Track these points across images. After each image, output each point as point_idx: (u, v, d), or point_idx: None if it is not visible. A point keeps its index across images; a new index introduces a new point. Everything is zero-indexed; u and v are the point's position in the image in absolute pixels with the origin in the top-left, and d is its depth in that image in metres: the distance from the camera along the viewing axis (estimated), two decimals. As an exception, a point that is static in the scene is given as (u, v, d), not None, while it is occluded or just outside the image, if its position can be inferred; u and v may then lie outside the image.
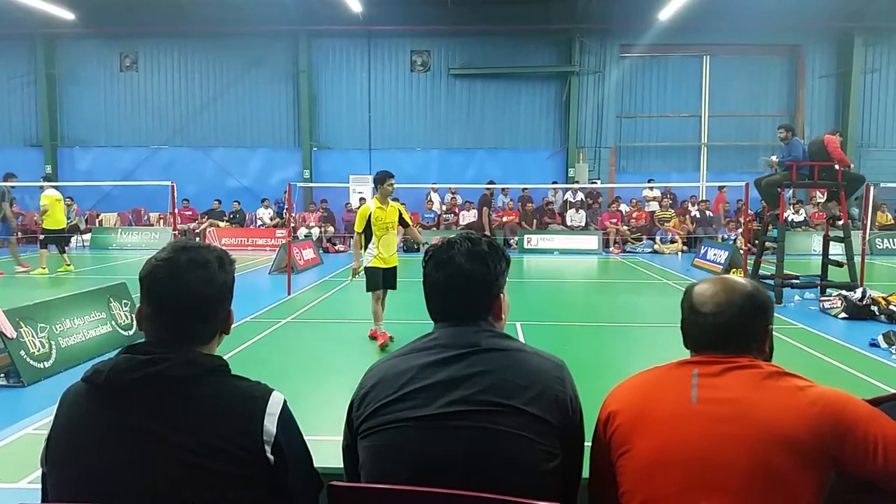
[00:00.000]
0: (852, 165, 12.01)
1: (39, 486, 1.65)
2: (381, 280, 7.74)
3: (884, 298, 9.58)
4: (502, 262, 1.93)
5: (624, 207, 21.50)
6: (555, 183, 22.27)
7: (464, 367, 1.74)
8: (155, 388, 1.54)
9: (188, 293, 1.62)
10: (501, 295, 1.93)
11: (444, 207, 21.62)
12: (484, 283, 1.88)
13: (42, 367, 6.51)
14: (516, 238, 20.15)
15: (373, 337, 7.92)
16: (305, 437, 1.75)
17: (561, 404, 1.74)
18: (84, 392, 1.59)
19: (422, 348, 1.83)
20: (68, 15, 20.86)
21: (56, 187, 14.88)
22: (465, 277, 1.85)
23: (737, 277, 1.86)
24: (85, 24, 22.06)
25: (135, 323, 8.11)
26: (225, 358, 1.69)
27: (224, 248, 1.83)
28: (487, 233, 15.12)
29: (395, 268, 7.94)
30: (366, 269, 7.77)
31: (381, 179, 7.71)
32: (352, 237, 21.00)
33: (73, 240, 20.14)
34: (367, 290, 7.80)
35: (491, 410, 1.68)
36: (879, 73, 22.53)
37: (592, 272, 16.43)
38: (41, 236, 14.45)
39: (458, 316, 1.86)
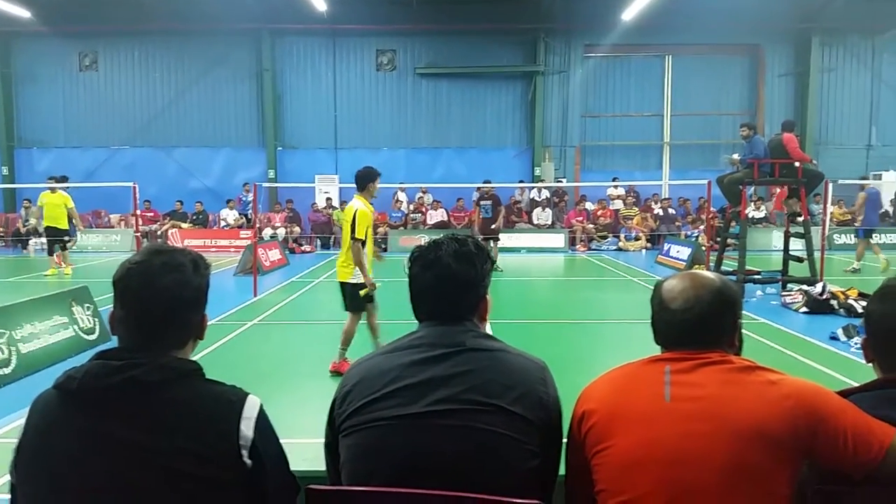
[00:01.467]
0: (815, 162, 12.27)
1: (7, 496, 1.62)
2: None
3: (843, 293, 9.82)
4: (488, 263, 1.94)
5: (589, 206, 21.71)
6: (521, 182, 22.40)
7: (449, 367, 1.74)
8: (129, 393, 1.52)
9: (162, 297, 1.60)
10: (487, 296, 1.94)
11: (411, 207, 21.60)
12: (472, 283, 1.89)
13: (1, 373, 6.36)
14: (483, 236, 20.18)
15: (336, 371, 6.64)
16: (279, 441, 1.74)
17: (544, 404, 1.76)
18: (55, 399, 1.56)
19: (406, 346, 1.83)
20: (24, 12, 20.38)
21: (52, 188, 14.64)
22: (454, 278, 1.85)
23: (705, 272, 1.87)
24: (42, 21, 21.56)
25: (98, 327, 7.97)
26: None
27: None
28: (497, 230, 15.14)
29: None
30: (357, 284, 6.64)
31: (373, 177, 6.87)
32: (319, 238, 21.02)
33: (31, 242, 19.75)
34: (355, 311, 6.77)
35: (476, 410, 1.69)
36: (836, 73, 23.10)
37: (559, 270, 16.56)
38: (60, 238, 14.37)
39: (445, 316, 1.86)
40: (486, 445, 1.67)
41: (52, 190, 14.33)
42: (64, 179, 14.75)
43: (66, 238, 14.54)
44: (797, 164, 11.07)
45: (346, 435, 1.78)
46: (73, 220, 14.78)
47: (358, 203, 6.72)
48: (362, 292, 6.58)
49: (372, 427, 1.72)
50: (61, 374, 1.56)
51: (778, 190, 19.80)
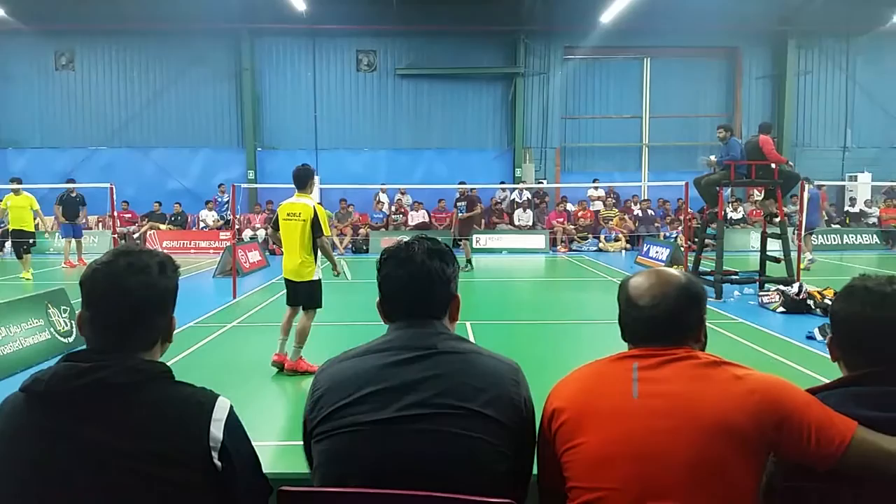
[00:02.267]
0: (791, 164, 12.40)
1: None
2: None
3: (819, 292, 9.93)
4: (456, 263, 1.95)
5: (570, 207, 21.79)
6: (502, 183, 22.44)
7: (420, 370, 1.73)
8: (97, 395, 1.51)
9: (126, 298, 1.59)
10: (458, 295, 1.94)
11: (392, 208, 21.56)
12: (446, 280, 1.88)
13: (-25, 377, 6.28)
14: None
15: (294, 370, 6.66)
16: (254, 443, 1.73)
17: (516, 407, 1.76)
18: (22, 402, 1.55)
19: (377, 350, 1.82)
20: (-2, 11, 20.10)
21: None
22: (430, 275, 1.85)
23: (671, 270, 1.90)
24: (17, 19, 21.27)
25: (75, 329, 7.88)
26: (168, 364, 1.66)
27: (166, 251, 1.80)
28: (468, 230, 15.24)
29: None
30: (318, 281, 6.92)
31: (313, 174, 7.12)
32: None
33: (6, 245, 19.48)
34: (315, 308, 6.90)
35: (447, 413, 1.68)
36: (812, 75, 23.37)
37: (540, 271, 16.61)
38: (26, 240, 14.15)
39: (417, 316, 1.85)
40: (458, 449, 1.67)
41: (16, 192, 14.04)
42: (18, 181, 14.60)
43: (33, 241, 14.28)
44: (773, 165, 11.19)
45: (319, 441, 1.76)
46: (39, 222, 14.63)
47: (310, 201, 6.83)
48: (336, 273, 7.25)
49: (343, 433, 1.71)
50: (29, 377, 1.55)
51: (756, 191, 20.03)
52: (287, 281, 6.95)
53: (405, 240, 1.94)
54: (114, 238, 13.67)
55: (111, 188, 13.17)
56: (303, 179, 6.91)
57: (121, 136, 23.19)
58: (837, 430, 1.61)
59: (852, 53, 23.25)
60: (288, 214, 6.83)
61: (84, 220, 15.99)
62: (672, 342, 1.75)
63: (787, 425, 1.60)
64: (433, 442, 1.66)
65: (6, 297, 8.13)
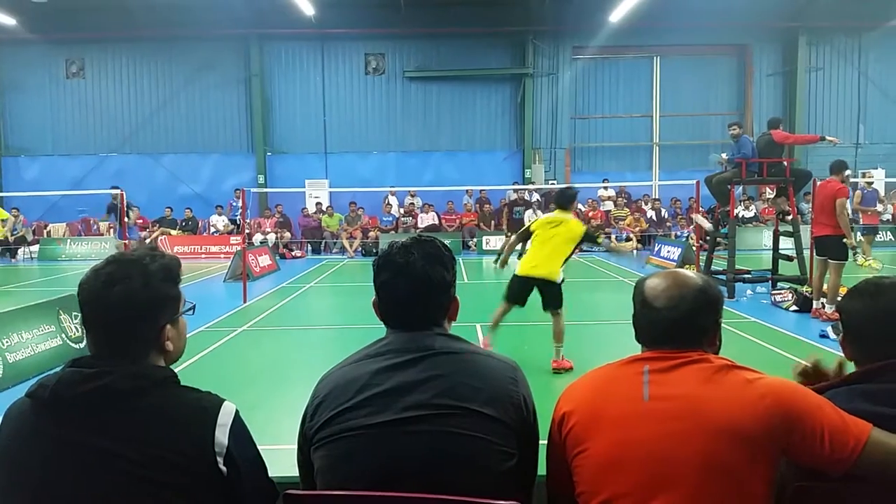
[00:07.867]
0: (796, 158, 12.25)
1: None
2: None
3: (832, 290, 9.82)
4: (454, 262, 1.91)
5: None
6: (515, 184, 22.41)
7: (418, 372, 1.72)
8: (102, 401, 1.50)
9: (108, 310, 1.57)
10: (457, 297, 1.92)
11: (402, 210, 21.57)
12: (446, 286, 1.85)
13: (-12, 383, 6.30)
14: (475, 239, 20.21)
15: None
16: (263, 447, 1.71)
17: (515, 404, 1.74)
18: (28, 408, 1.54)
19: (374, 354, 1.80)
20: (9, 20, 20.28)
21: None
22: (430, 284, 1.81)
23: (687, 272, 1.87)
24: (28, 29, 21.49)
25: (85, 335, 7.90)
26: (179, 369, 1.65)
27: (174, 256, 1.75)
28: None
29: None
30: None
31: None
32: (309, 243, 20.93)
33: (20, 251, 19.66)
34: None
35: (447, 414, 1.66)
36: (823, 72, 23.22)
37: (550, 272, 16.52)
38: None
39: (417, 322, 1.83)
40: (460, 449, 1.65)
41: None
42: None
43: None
44: (785, 163, 11.09)
45: (319, 446, 1.74)
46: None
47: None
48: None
49: (344, 437, 1.70)
50: (34, 382, 1.54)
51: (768, 189, 19.88)
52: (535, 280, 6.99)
53: (401, 242, 1.88)
54: (124, 244, 13.72)
55: (121, 194, 13.24)
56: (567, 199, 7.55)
57: (131, 142, 23.37)
58: (851, 434, 1.57)
59: (864, 49, 23.09)
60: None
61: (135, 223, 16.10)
62: (686, 345, 1.73)
63: (798, 429, 1.56)
64: (434, 443, 1.65)
65: (18, 303, 8.17)
